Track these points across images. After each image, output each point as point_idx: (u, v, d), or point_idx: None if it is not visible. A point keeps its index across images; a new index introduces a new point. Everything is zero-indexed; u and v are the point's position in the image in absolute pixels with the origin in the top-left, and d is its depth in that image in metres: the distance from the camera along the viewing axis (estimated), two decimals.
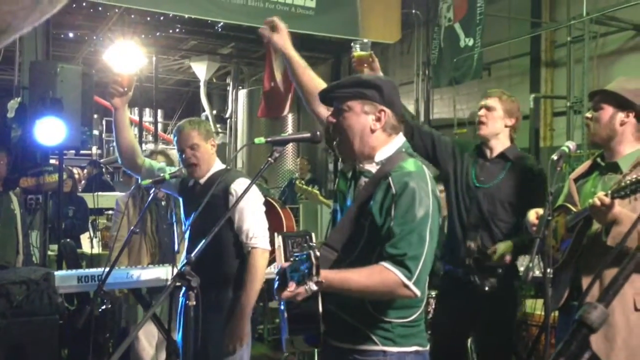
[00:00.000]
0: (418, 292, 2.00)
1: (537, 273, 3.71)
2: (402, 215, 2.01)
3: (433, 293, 3.76)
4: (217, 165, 3.33)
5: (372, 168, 2.17)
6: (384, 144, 2.18)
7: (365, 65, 3.00)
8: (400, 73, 10.54)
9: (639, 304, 2.54)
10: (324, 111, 2.43)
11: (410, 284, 1.96)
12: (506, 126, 3.36)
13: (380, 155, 2.17)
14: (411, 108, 10.09)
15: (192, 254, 2.05)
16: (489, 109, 3.35)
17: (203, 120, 3.48)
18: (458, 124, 8.46)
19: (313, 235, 2.23)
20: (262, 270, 3.17)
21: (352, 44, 3.06)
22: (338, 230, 2.19)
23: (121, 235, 3.66)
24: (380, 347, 2.10)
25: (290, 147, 11.41)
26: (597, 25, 7.00)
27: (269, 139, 2.21)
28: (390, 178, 2.08)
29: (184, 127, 3.25)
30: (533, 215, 2.77)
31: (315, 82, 2.55)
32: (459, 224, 3.36)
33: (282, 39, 2.60)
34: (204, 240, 2.09)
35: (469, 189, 3.35)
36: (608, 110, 2.73)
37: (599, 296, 1.00)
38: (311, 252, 1.87)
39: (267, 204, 3.40)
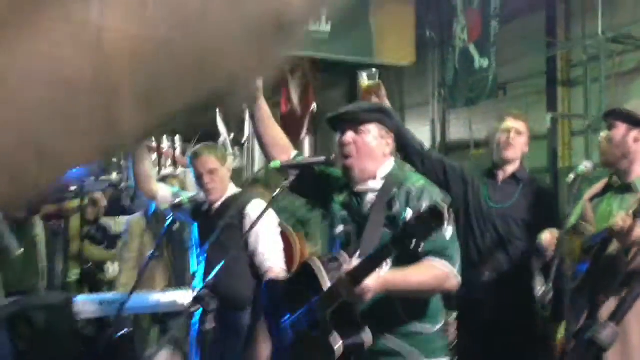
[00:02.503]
0: (460, 280, 2.15)
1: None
2: None
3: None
4: (232, 189, 3.37)
5: (376, 184, 2.28)
6: (384, 164, 2.33)
7: (374, 94, 3.01)
8: (416, 95, 10.54)
9: None
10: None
11: (455, 272, 2.12)
12: (523, 152, 3.42)
13: (382, 172, 2.31)
14: (427, 129, 10.08)
15: (210, 277, 2.07)
16: (519, 133, 3.37)
17: (219, 145, 3.54)
18: (475, 145, 8.42)
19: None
20: None
21: (358, 73, 3.08)
22: (367, 243, 2.18)
23: (133, 257, 3.71)
24: None
25: None
26: (614, 44, 6.96)
27: (284, 164, 2.24)
28: (407, 184, 2.24)
29: (202, 153, 3.30)
30: (548, 235, 2.76)
31: (278, 132, 2.63)
32: (474, 247, 3.35)
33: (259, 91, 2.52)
34: (222, 263, 2.11)
35: (482, 210, 3.36)
36: (621, 129, 2.74)
37: (610, 315, 1.00)
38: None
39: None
